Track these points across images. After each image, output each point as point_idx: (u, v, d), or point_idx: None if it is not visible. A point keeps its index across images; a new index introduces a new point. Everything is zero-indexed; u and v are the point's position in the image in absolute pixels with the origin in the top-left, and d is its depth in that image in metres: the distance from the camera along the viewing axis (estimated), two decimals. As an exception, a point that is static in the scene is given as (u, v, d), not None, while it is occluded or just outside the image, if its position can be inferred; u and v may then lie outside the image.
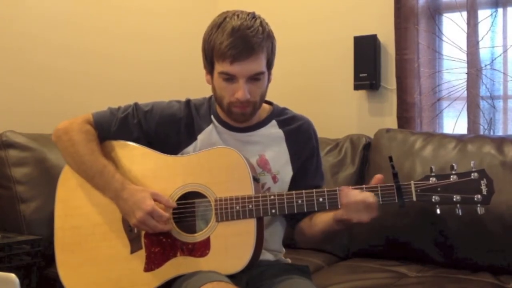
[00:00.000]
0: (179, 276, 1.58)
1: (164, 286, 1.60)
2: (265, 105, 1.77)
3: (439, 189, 1.50)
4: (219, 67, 1.60)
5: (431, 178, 1.51)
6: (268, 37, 1.60)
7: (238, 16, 1.59)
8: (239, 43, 1.54)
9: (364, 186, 1.53)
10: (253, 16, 1.60)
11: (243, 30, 1.55)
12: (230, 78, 1.59)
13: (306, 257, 2.35)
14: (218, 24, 1.59)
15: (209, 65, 1.64)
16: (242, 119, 1.66)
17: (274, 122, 1.75)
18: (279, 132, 1.75)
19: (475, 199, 1.48)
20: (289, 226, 1.79)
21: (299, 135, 1.76)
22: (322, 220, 1.65)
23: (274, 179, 1.71)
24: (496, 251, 2.14)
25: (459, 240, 2.19)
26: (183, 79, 3.06)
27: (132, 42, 2.96)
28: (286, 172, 1.73)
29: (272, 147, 1.72)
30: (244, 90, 1.58)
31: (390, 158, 1.53)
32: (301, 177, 1.73)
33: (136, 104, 1.75)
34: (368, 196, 1.50)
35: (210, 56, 1.61)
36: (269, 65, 1.64)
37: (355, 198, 1.51)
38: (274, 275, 1.64)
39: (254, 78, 1.60)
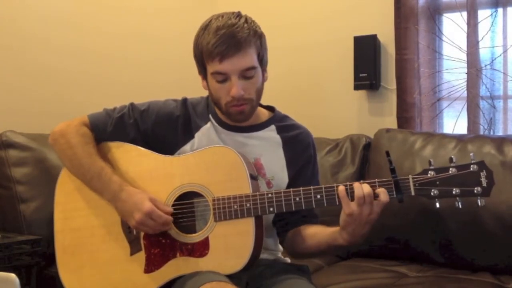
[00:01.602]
0: (179, 277, 1.57)
1: (164, 286, 1.60)
2: (265, 110, 1.77)
3: (438, 182, 1.47)
4: (210, 68, 1.60)
5: (429, 172, 1.49)
6: (255, 33, 1.60)
7: (222, 16, 1.60)
8: (225, 40, 1.54)
9: (361, 181, 1.51)
10: (238, 15, 1.61)
11: (227, 27, 1.55)
12: (223, 78, 1.59)
13: (306, 257, 2.35)
14: (204, 27, 1.60)
15: (202, 69, 1.65)
16: (241, 118, 1.65)
17: (273, 126, 1.75)
18: (277, 138, 1.74)
19: (475, 191, 1.46)
20: (278, 232, 1.76)
21: (297, 143, 1.75)
22: (321, 231, 1.64)
23: (269, 184, 1.69)
24: (496, 251, 2.14)
25: (459, 240, 2.19)
26: (183, 79, 3.05)
27: (132, 42, 2.97)
28: (281, 178, 1.71)
29: (268, 151, 1.71)
30: (237, 87, 1.58)
31: (387, 153, 1.51)
32: (296, 184, 1.68)
33: (132, 104, 1.75)
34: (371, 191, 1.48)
35: (201, 59, 1.62)
36: (261, 60, 1.63)
37: (368, 189, 1.47)
38: (274, 275, 1.64)
39: (247, 75, 1.59)
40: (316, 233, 1.66)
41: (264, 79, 1.67)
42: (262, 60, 1.64)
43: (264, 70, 1.67)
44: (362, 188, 1.47)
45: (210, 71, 1.60)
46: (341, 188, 1.50)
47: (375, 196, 1.48)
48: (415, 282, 2.08)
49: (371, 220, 1.49)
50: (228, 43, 1.54)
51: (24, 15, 2.56)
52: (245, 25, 1.58)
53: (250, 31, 1.58)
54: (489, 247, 2.15)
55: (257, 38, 1.60)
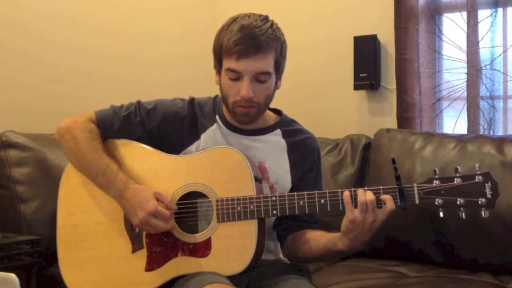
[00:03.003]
0: (180, 276, 1.57)
1: (165, 286, 1.60)
2: (273, 114, 1.77)
3: (442, 192, 1.47)
4: (226, 64, 1.60)
5: (434, 181, 1.48)
6: (277, 39, 1.60)
7: (249, 16, 1.60)
8: (246, 40, 1.55)
9: (366, 188, 1.51)
10: (265, 18, 1.62)
11: (251, 28, 1.56)
12: (236, 77, 1.59)
13: (306, 257, 2.34)
14: (229, 24, 1.61)
15: (218, 64, 1.64)
16: (245, 120, 1.65)
17: (279, 131, 1.74)
18: (282, 142, 1.73)
19: (479, 202, 1.46)
20: (278, 236, 1.76)
21: (302, 148, 1.75)
22: (321, 236, 1.64)
23: (272, 188, 1.69)
24: (496, 251, 2.14)
25: (459, 240, 2.19)
26: (183, 78, 3.06)
27: (132, 42, 2.96)
28: (285, 183, 1.71)
29: (273, 156, 1.71)
30: (247, 88, 1.58)
31: (393, 160, 1.51)
32: (298, 189, 1.66)
33: (139, 102, 1.75)
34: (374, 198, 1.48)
35: (219, 53, 1.62)
36: (278, 67, 1.63)
37: (372, 197, 1.47)
38: (274, 275, 1.64)
39: (260, 79, 1.59)
40: (316, 238, 1.66)
41: (277, 86, 1.67)
42: (278, 67, 1.64)
43: (278, 78, 1.66)
44: (365, 195, 1.47)
45: (225, 67, 1.61)
46: (346, 193, 1.50)
47: (380, 203, 1.48)
48: (415, 282, 2.08)
49: (373, 227, 1.49)
50: (249, 43, 1.55)
51: (24, 15, 2.55)
52: (269, 30, 1.58)
53: (273, 37, 1.58)
54: (489, 247, 2.15)
55: (278, 44, 1.61)
